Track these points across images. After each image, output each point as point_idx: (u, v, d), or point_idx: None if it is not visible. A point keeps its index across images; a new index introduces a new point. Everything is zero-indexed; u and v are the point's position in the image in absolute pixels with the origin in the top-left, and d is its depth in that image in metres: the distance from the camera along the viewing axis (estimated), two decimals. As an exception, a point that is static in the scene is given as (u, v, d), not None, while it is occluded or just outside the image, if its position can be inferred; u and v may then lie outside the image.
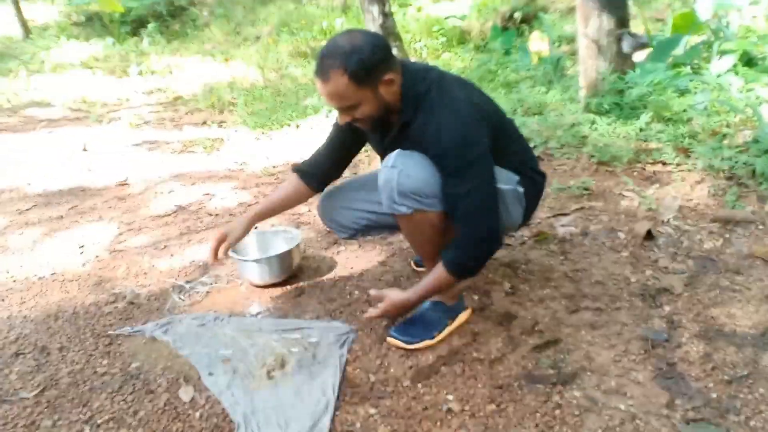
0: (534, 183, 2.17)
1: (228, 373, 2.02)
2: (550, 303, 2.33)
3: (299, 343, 2.15)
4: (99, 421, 1.85)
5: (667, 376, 1.86)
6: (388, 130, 2.00)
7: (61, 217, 3.79)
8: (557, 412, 1.75)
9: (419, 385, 1.91)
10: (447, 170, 1.85)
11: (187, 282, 2.74)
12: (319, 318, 2.34)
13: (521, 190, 2.10)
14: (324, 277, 2.69)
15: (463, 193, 1.83)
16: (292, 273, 2.66)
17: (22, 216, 3.84)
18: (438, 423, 1.74)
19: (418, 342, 2.10)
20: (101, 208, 3.88)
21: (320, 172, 2.27)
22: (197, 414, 1.85)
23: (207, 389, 1.95)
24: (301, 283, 2.65)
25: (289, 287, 2.62)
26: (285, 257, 2.57)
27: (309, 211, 3.43)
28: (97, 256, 3.14)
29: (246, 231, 2.27)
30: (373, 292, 2.08)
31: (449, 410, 1.79)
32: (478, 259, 1.92)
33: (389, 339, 2.14)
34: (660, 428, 1.66)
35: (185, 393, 1.95)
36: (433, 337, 2.13)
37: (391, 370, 2.00)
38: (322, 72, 1.71)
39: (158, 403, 1.91)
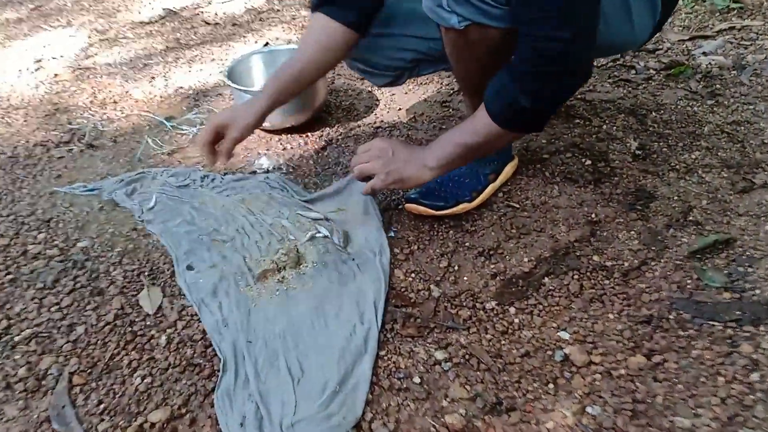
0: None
1: (215, 270, 1.34)
2: (703, 174, 1.55)
3: (324, 227, 1.44)
4: (16, 338, 1.22)
5: None
6: None
7: (20, 20, 2.98)
8: (753, 378, 1.05)
9: (511, 310, 1.21)
10: None
11: (169, 119, 2.00)
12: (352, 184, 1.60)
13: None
14: (360, 122, 1.92)
15: None
16: (316, 113, 1.88)
17: (-31, 17, 3.04)
18: (549, 383, 1.07)
19: (451, 206, 1.46)
20: (71, 11, 3.05)
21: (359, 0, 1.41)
22: (162, 338, 1.20)
23: (181, 294, 1.29)
24: (327, 130, 1.88)
25: (311, 135, 1.87)
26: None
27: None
28: (56, 76, 2.39)
29: (260, 120, 1.41)
30: (360, 155, 1.37)
31: (566, 360, 1.10)
32: (542, 96, 1.14)
33: (408, 205, 1.49)
34: None
35: (147, 299, 1.30)
36: (471, 198, 1.48)
37: (464, 279, 1.30)
38: None
39: (106, 315, 1.27)
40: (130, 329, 1.24)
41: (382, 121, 1.93)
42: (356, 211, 1.50)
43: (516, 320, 1.20)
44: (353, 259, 1.38)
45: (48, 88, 2.28)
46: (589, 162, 1.63)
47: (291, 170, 1.72)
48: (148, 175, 1.73)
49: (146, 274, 1.37)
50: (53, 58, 2.52)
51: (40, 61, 2.51)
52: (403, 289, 1.29)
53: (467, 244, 1.40)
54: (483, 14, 1.12)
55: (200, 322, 1.24)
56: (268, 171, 1.72)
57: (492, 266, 1.33)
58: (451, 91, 2.07)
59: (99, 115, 2.08)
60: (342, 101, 2.07)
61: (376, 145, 1.34)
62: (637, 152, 1.67)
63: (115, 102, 2.17)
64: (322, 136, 1.87)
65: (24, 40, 2.76)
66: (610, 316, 1.19)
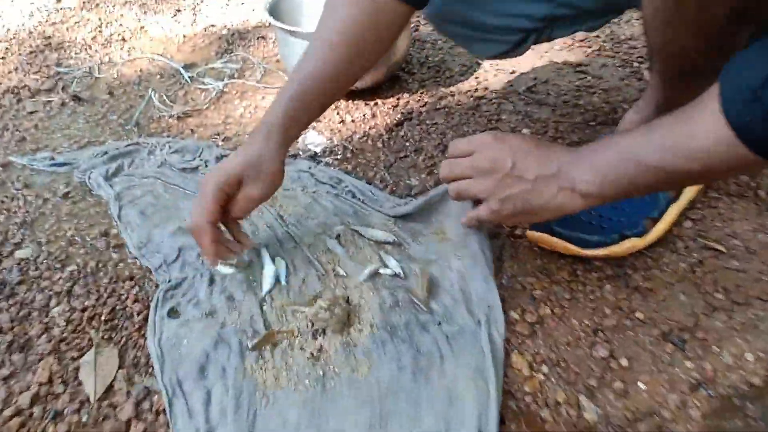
0: None
1: (212, 322, 0.86)
2: None
3: (396, 259, 0.93)
4: None
5: None
6: None
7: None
8: None
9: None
10: None
11: (189, 67, 1.47)
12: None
13: None
14: (453, 87, 1.34)
15: None
16: (390, 71, 1.31)
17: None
18: None
19: (609, 242, 0.89)
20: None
21: None
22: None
23: (149, 365, 0.79)
24: (405, 97, 1.31)
25: (382, 103, 1.30)
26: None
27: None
28: (58, 1, 1.86)
29: (281, 165, 0.86)
30: (455, 163, 0.82)
31: None
32: None
33: (532, 233, 0.92)
34: None
35: (91, 371, 0.80)
36: (643, 230, 0.90)
37: (640, 388, 0.76)
38: None
39: (19, 395, 0.76)
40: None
41: (485, 88, 1.34)
42: (452, 242, 0.93)
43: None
44: (439, 323, 0.82)
45: (43, 17, 1.78)
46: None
47: (350, 155, 1.16)
48: (144, 148, 1.21)
49: (102, 318, 0.85)
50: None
51: (45, -18, 1.99)
52: (527, 399, 0.73)
53: (640, 314, 0.83)
54: None
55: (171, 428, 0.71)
56: (315, 155, 1.16)
57: (690, 365, 0.75)
58: (588, 50, 1.45)
59: (99, 56, 1.56)
60: (429, 56, 1.48)
61: (484, 146, 0.79)
62: None
63: (123, 39, 1.64)
64: (397, 105, 1.30)
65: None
66: None
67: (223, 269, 0.90)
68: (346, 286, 0.89)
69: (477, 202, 0.81)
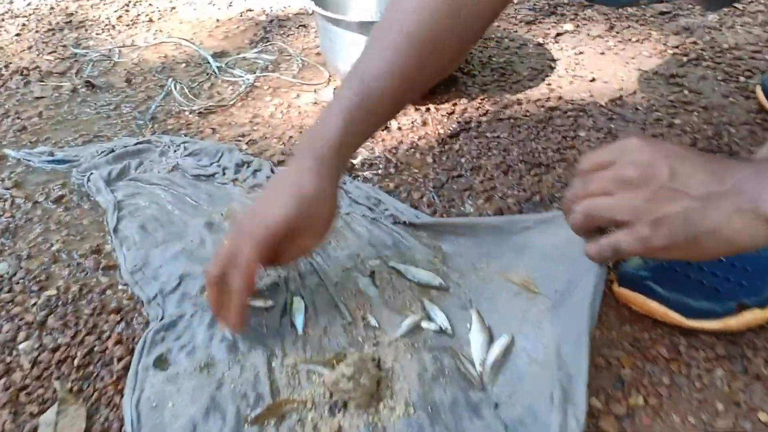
0: None
1: (209, 381, 0.69)
2: None
3: (441, 308, 0.75)
4: None
5: None
6: None
7: None
8: None
9: None
10: None
11: (219, 56, 1.31)
12: (528, 205, 0.87)
13: None
14: (520, 94, 1.17)
15: None
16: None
17: None
18: None
19: (723, 311, 0.69)
20: None
21: None
22: None
23: None
24: (463, 103, 1.13)
25: (434, 109, 1.13)
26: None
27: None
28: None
29: (336, 201, 0.69)
30: (588, 178, 0.59)
31: None
32: None
33: (621, 290, 0.74)
34: None
35: None
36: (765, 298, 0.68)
37: None
38: None
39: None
40: None
41: (559, 98, 1.14)
42: (540, 296, 0.74)
43: None
44: (496, 406, 0.63)
45: (71, -8, 1.64)
46: None
47: (393, 170, 0.98)
48: (156, 148, 1.05)
49: (75, 362, 0.69)
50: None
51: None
52: None
53: (764, 415, 0.63)
54: None
55: None
56: (353, 167, 0.98)
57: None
58: (683, 59, 1.24)
59: (121, 38, 1.41)
60: (493, 57, 1.29)
61: (629, 151, 0.57)
62: None
63: (150, 21, 1.50)
64: (453, 113, 1.11)
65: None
66: None
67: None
68: (378, 342, 0.71)
69: (600, 231, 0.60)
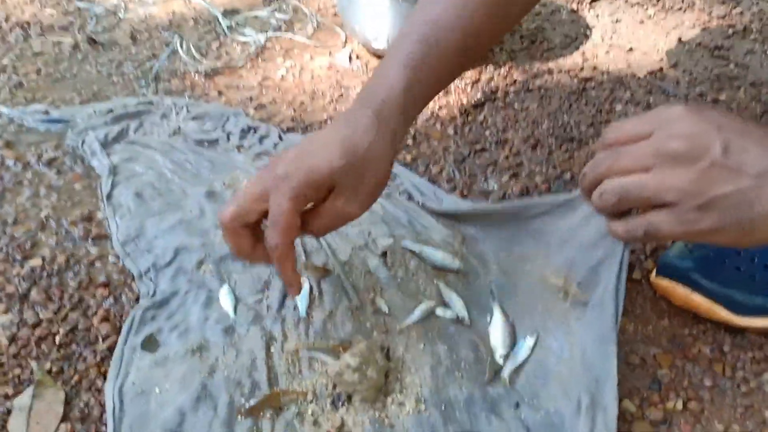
0: None
1: (201, 366, 0.62)
2: None
3: (458, 295, 0.68)
4: None
5: None
6: None
7: None
8: None
9: None
10: None
11: (230, 14, 1.25)
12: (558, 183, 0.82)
13: None
14: (552, 63, 1.10)
15: None
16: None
17: None
18: None
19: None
20: None
21: None
22: None
23: (102, 422, 0.58)
24: (489, 71, 1.06)
25: (458, 78, 1.02)
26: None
27: None
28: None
29: (391, 167, 0.58)
30: (619, 153, 0.50)
31: None
32: None
33: (659, 281, 0.67)
34: None
35: (23, 423, 0.55)
36: None
37: None
38: None
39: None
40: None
41: (594, 68, 1.06)
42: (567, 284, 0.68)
43: None
44: (517, 405, 0.58)
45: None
46: None
47: (410, 142, 0.92)
48: (157, 110, 0.99)
49: (56, 340, 0.63)
50: None
51: None
52: None
53: None
54: None
55: None
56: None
57: None
58: (729, 31, 1.15)
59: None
60: (522, 22, 1.20)
61: (672, 120, 0.49)
62: None
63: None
64: (478, 81, 1.03)
65: None
66: None
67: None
68: (388, 330, 0.65)
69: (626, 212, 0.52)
